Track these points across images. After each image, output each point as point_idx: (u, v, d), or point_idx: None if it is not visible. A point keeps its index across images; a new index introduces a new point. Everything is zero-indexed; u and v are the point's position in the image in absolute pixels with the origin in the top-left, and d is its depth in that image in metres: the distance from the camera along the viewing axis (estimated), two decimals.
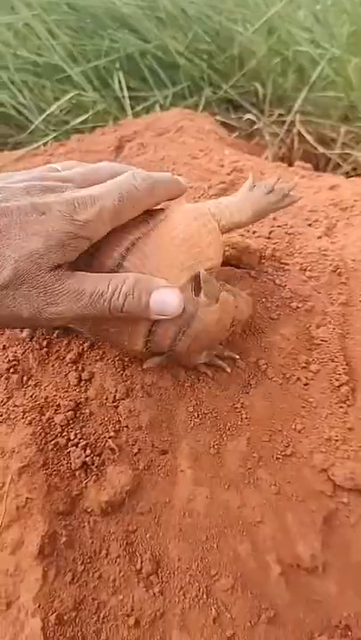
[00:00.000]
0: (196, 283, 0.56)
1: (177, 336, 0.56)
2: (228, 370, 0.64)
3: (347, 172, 1.43)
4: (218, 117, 1.43)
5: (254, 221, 0.65)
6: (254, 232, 0.76)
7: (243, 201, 0.64)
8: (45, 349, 0.68)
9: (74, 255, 0.51)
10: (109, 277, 0.52)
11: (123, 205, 0.53)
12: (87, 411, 0.63)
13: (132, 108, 1.41)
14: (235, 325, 0.60)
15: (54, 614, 0.54)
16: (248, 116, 1.51)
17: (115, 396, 0.64)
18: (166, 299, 0.53)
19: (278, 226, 0.77)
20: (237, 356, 0.65)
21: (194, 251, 0.57)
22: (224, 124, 1.42)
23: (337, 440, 0.61)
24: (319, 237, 0.76)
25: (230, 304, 0.58)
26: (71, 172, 0.57)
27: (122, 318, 0.54)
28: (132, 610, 0.56)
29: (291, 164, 1.02)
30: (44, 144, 1.17)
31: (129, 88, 1.45)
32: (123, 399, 0.64)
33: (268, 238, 0.75)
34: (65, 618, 0.55)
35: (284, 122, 1.51)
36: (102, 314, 0.52)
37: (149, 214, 0.59)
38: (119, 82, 1.44)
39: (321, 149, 1.47)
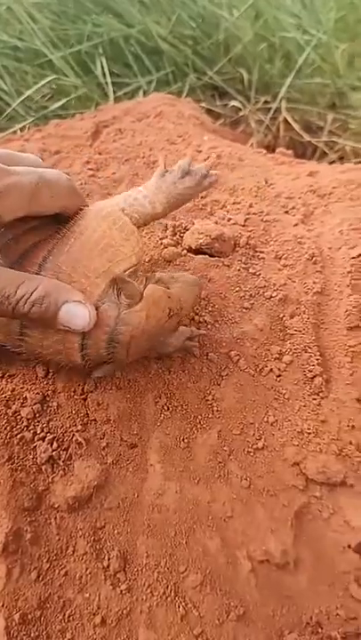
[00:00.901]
0: (115, 286, 0.53)
1: (110, 344, 0.54)
2: (197, 352, 0.62)
3: (333, 161, 1.41)
4: (203, 104, 1.41)
5: (174, 209, 0.62)
6: (229, 219, 0.74)
7: (156, 190, 0.60)
8: None
9: None
10: (22, 279, 0.49)
11: (40, 189, 0.49)
12: (54, 403, 0.62)
13: (115, 94, 1.38)
14: (176, 314, 0.57)
15: (18, 613, 0.53)
16: (233, 102, 1.49)
17: (83, 389, 0.62)
18: (77, 312, 0.50)
19: (254, 213, 0.75)
20: (204, 332, 0.63)
21: (108, 253, 0.54)
22: (209, 111, 1.40)
23: (310, 433, 0.60)
24: (295, 225, 0.74)
25: (160, 296, 0.54)
26: None
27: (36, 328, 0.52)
28: (99, 608, 0.54)
29: (275, 148, 1.00)
30: (21, 129, 1.15)
31: (112, 74, 1.42)
32: (91, 392, 0.62)
33: (244, 226, 0.73)
34: (29, 617, 0.53)
35: (269, 109, 1.48)
36: (6, 315, 0.49)
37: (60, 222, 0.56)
38: (102, 67, 1.41)
39: (307, 137, 1.45)
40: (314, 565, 0.57)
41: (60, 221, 0.56)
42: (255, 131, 1.45)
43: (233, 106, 1.49)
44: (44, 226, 0.55)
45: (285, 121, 1.47)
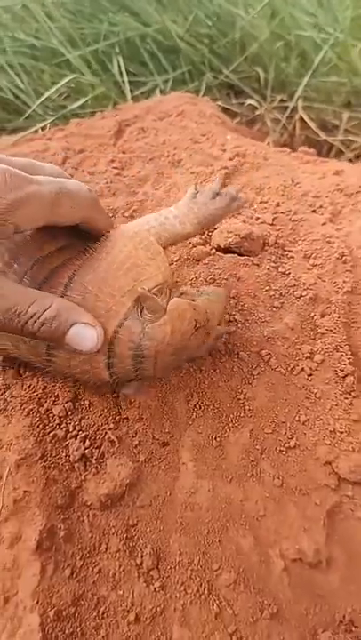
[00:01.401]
0: (139, 303, 0.53)
1: (136, 360, 0.53)
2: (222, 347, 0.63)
3: (349, 159, 1.41)
4: (219, 103, 1.40)
5: (203, 230, 0.62)
6: (257, 218, 0.74)
7: (187, 210, 0.61)
8: None
9: None
10: (34, 297, 0.48)
11: (60, 199, 0.48)
12: (86, 402, 0.62)
13: (132, 93, 1.38)
14: (203, 326, 0.56)
15: (53, 610, 0.53)
16: (249, 101, 1.48)
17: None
18: (85, 334, 0.49)
19: (282, 212, 0.75)
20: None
21: (133, 272, 0.53)
22: (225, 110, 1.40)
23: (342, 432, 0.60)
24: (324, 224, 0.74)
25: (185, 309, 0.54)
26: (12, 158, 0.52)
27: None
28: (133, 605, 0.54)
29: (294, 150, 1.00)
30: (42, 128, 1.15)
31: (128, 72, 1.42)
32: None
33: (272, 225, 0.73)
34: (64, 613, 0.53)
35: (286, 108, 1.48)
36: (14, 332, 0.49)
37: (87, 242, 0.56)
38: (118, 66, 1.41)
39: (323, 136, 1.44)
40: (346, 564, 0.57)
41: (86, 241, 0.55)
42: (271, 130, 1.45)
43: (249, 104, 1.48)
44: (71, 246, 0.55)
45: (301, 119, 1.46)
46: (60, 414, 0.61)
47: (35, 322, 0.48)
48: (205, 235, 0.72)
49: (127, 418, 0.61)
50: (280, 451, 0.60)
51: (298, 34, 1.53)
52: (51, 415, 0.61)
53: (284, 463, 0.59)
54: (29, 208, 0.47)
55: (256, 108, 1.48)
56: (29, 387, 0.63)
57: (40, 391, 0.62)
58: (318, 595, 0.56)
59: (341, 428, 0.60)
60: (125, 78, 1.40)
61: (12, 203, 0.45)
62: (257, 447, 0.60)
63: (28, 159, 0.54)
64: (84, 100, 1.30)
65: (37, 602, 0.53)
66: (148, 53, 1.47)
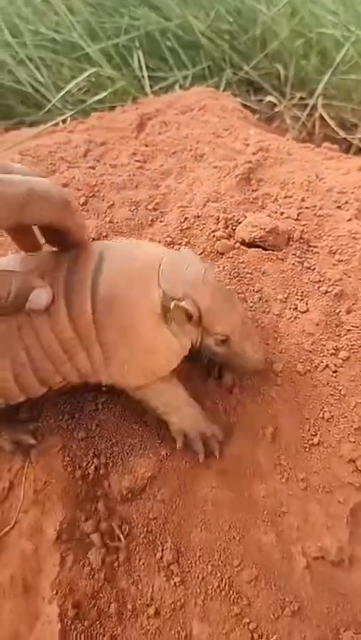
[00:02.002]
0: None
1: None
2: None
3: None
4: (238, 99, 1.40)
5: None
6: (282, 213, 0.74)
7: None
8: None
9: None
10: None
11: (29, 200, 0.48)
12: (108, 399, 0.61)
13: (151, 88, 1.38)
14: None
15: (72, 601, 0.53)
16: (269, 98, 1.47)
17: None
18: (41, 296, 0.52)
19: (307, 207, 0.74)
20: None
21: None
22: (244, 107, 1.38)
23: None
24: (349, 220, 0.73)
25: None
26: None
27: None
28: (152, 599, 0.54)
29: (318, 146, 0.99)
30: (63, 121, 1.14)
31: (148, 67, 1.41)
32: None
33: (297, 220, 0.73)
34: (83, 605, 0.53)
35: (305, 105, 1.47)
36: None
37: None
38: (138, 60, 1.40)
39: (342, 134, 1.43)
40: None
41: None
42: (290, 127, 1.44)
43: (268, 101, 1.47)
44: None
45: (321, 117, 1.45)
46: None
47: (5, 301, 0.50)
48: (229, 228, 0.71)
49: (147, 412, 0.60)
50: (304, 448, 0.59)
51: (319, 31, 1.52)
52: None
53: (307, 460, 0.59)
54: (2, 209, 0.47)
55: (275, 105, 1.47)
56: None
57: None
58: (340, 593, 0.55)
59: None
60: (145, 73, 1.39)
61: None
62: (280, 444, 0.59)
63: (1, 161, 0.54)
64: (104, 93, 1.29)
65: (56, 593, 0.53)
66: (169, 48, 1.46)
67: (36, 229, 0.57)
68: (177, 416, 0.57)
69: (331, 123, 1.44)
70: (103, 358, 0.53)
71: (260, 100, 1.50)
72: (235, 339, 0.55)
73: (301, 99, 1.50)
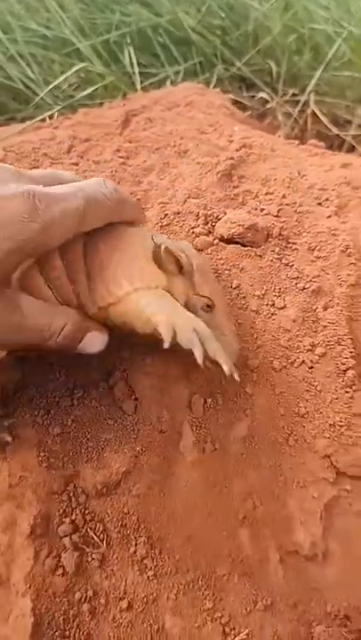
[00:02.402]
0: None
1: None
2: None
3: None
4: (230, 96, 1.39)
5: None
6: (262, 210, 0.73)
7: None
8: None
9: (20, 265, 0.47)
10: (52, 315, 0.50)
11: (88, 211, 0.48)
12: (80, 393, 0.62)
13: (142, 84, 1.38)
14: None
15: (45, 595, 0.53)
16: (261, 94, 1.47)
17: (108, 380, 0.62)
18: (95, 341, 0.53)
19: (287, 204, 0.74)
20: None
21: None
22: (236, 103, 1.38)
23: (341, 425, 0.59)
24: (329, 217, 0.73)
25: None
26: (34, 173, 0.52)
27: None
28: (125, 593, 0.54)
29: (303, 143, 0.99)
30: (50, 117, 1.14)
31: (139, 64, 1.41)
32: (119, 380, 0.62)
33: (277, 216, 0.73)
34: (56, 599, 0.53)
35: (297, 101, 1.47)
36: (33, 349, 0.51)
37: None
38: (129, 56, 1.40)
39: (335, 131, 1.43)
40: (342, 558, 0.56)
41: None
42: (282, 123, 1.44)
43: (260, 98, 1.47)
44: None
45: (313, 114, 1.45)
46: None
47: (55, 339, 0.50)
48: (209, 225, 0.71)
49: (121, 408, 0.60)
50: (279, 443, 0.59)
51: (311, 27, 1.52)
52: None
53: (282, 456, 0.59)
54: (60, 228, 0.47)
55: (267, 101, 1.47)
56: None
57: None
58: (313, 588, 0.56)
59: (341, 422, 0.59)
60: (136, 69, 1.39)
61: (44, 226, 0.45)
62: (255, 438, 0.59)
63: (49, 170, 0.54)
64: (92, 89, 1.29)
65: (30, 587, 0.53)
66: (160, 44, 1.46)
67: None
68: (165, 314, 0.52)
69: (323, 119, 1.44)
70: (88, 281, 0.53)
71: (253, 97, 1.50)
72: (219, 309, 0.55)
73: (294, 95, 1.50)
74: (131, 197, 0.56)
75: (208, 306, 0.55)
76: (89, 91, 1.28)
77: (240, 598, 0.54)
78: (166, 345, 0.50)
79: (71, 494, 0.57)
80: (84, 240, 0.53)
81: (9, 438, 0.59)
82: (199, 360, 0.50)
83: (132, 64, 1.40)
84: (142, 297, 0.53)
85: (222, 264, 0.67)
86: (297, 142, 0.96)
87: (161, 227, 0.71)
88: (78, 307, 0.53)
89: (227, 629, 0.53)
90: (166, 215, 0.72)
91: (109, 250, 0.53)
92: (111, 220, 0.53)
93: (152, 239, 0.54)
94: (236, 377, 0.52)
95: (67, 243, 0.50)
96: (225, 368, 0.51)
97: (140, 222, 0.57)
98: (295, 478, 0.58)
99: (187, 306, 0.55)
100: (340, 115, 1.50)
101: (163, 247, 0.52)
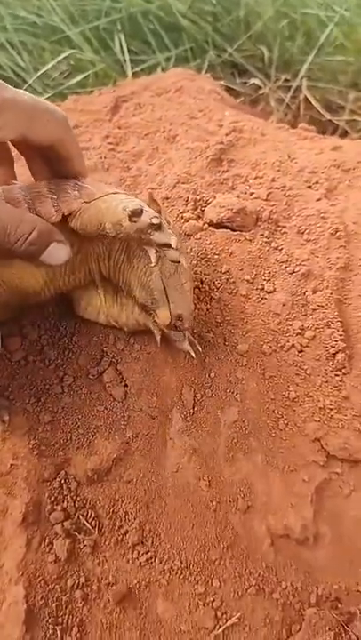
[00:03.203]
0: None
1: None
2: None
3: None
4: (222, 82, 1.38)
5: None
6: (251, 194, 0.73)
7: None
8: None
9: None
10: (19, 218, 0.50)
11: (37, 111, 0.48)
12: (70, 379, 0.61)
13: (133, 71, 1.36)
14: None
15: (38, 582, 0.53)
16: (253, 80, 1.46)
17: (98, 368, 0.62)
18: (60, 252, 0.53)
19: (277, 188, 0.74)
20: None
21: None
22: (228, 89, 1.37)
23: (331, 409, 0.59)
24: (319, 199, 0.73)
25: None
26: None
27: None
28: (117, 579, 0.54)
29: (294, 127, 0.98)
30: None
31: (130, 50, 1.40)
32: (108, 366, 0.61)
33: (266, 200, 0.72)
34: (49, 586, 0.53)
35: (290, 87, 1.45)
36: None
37: None
38: (120, 43, 1.39)
39: (328, 116, 1.42)
40: (333, 541, 0.56)
41: None
42: (275, 109, 1.43)
43: (253, 84, 1.46)
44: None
45: (306, 99, 1.44)
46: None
47: (22, 243, 0.50)
48: (198, 210, 0.71)
49: (112, 394, 0.60)
50: (269, 427, 0.59)
51: (303, 12, 1.50)
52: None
53: (272, 439, 0.59)
54: (9, 113, 0.47)
55: (260, 87, 1.45)
56: None
57: None
58: (305, 571, 0.56)
59: (331, 405, 0.59)
60: (127, 56, 1.38)
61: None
62: (246, 423, 0.59)
63: None
64: (82, 76, 1.28)
65: (22, 574, 0.53)
66: (150, 31, 1.45)
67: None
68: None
69: (316, 105, 1.43)
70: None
71: (245, 83, 1.48)
72: (184, 265, 0.55)
73: (286, 81, 1.48)
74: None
75: (176, 259, 0.55)
76: (79, 78, 1.27)
77: (231, 582, 0.55)
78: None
79: (62, 481, 0.57)
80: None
81: (6, 417, 0.59)
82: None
83: (122, 51, 1.39)
84: (114, 198, 0.54)
85: (211, 249, 0.67)
86: (287, 126, 0.95)
87: None
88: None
89: (218, 613, 0.53)
90: None
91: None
92: (59, 140, 0.53)
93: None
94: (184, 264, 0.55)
95: None
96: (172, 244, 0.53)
97: (81, 167, 0.57)
98: (286, 462, 0.58)
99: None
100: (332, 100, 1.49)
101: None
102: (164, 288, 0.56)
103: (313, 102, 1.43)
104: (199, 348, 0.60)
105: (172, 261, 0.54)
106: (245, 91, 1.47)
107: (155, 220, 0.52)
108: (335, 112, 1.47)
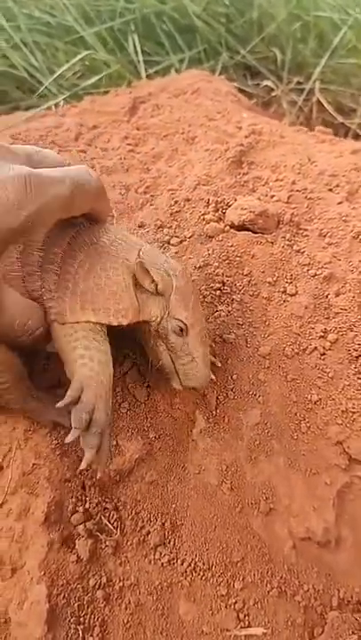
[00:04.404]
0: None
1: None
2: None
3: None
4: (235, 84, 1.38)
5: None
6: (272, 196, 0.73)
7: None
8: None
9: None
10: (31, 313, 0.51)
11: (75, 196, 0.48)
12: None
13: (146, 72, 1.36)
14: None
15: (60, 582, 0.53)
16: (266, 82, 1.46)
17: (122, 368, 0.62)
18: None
19: (297, 190, 0.74)
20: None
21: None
22: (241, 91, 1.37)
23: (354, 412, 0.59)
24: (340, 203, 0.73)
25: None
26: (17, 148, 0.51)
27: None
28: (139, 579, 0.54)
29: (311, 129, 0.98)
30: (55, 105, 1.13)
31: (144, 51, 1.40)
32: (130, 369, 0.61)
33: (287, 203, 0.72)
34: (70, 586, 0.53)
35: (302, 90, 1.46)
36: (6, 341, 0.52)
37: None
38: (134, 44, 1.39)
39: (340, 119, 1.42)
40: (355, 544, 0.56)
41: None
42: (287, 112, 1.43)
43: (265, 86, 1.46)
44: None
45: (318, 102, 1.44)
46: None
47: (27, 337, 0.52)
48: (219, 212, 0.71)
49: (134, 395, 0.60)
50: (291, 430, 0.59)
51: (316, 14, 1.50)
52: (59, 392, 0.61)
53: (294, 442, 0.59)
54: (50, 213, 0.47)
55: (272, 89, 1.46)
56: None
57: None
58: (326, 574, 0.56)
59: (354, 408, 0.59)
60: (140, 57, 1.38)
61: (39, 209, 0.45)
62: (268, 426, 0.59)
63: (31, 146, 0.53)
64: (97, 77, 1.28)
65: (44, 573, 0.53)
66: (164, 32, 1.45)
67: None
68: (88, 368, 0.52)
69: (328, 107, 1.43)
70: (56, 287, 0.53)
71: (257, 85, 1.49)
72: (192, 335, 0.55)
73: (299, 83, 1.49)
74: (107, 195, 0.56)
75: (181, 329, 0.55)
76: (94, 79, 1.27)
77: (254, 585, 0.54)
78: (60, 404, 0.50)
79: (84, 481, 0.57)
80: (69, 239, 0.53)
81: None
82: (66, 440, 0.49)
83: (136, 52, 1.39)
84: (86, 339, 0.52)
85: (233, 251, 0.67)
86: (305, 129, 0.95)
87: (171, 214, 0.71)
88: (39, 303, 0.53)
89: (241, 615, 0.53)
90: (176, 202, 0.72)
91: (88, 266, 0.53)
92: (92, 210, 0.53)
93: (139, 253, 0.54)
94: (98, 474, 0.57)
95: (52, 236, 0.52)
96: (82, 464, 0.50)
97: (105, 219, 0.57)
98: (308, 465, 0.58)
99: (158, 327, 0.55)
100: (345, 103, 1.49)
101: (137, 264, 0.52)
102: (173, 364, 0.56)
103: (325, 105, 1.43)
104: (218, 364, 0.61)
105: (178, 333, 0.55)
106: (258, 93, 1.47)
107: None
108: (347, 115, 1.47)
